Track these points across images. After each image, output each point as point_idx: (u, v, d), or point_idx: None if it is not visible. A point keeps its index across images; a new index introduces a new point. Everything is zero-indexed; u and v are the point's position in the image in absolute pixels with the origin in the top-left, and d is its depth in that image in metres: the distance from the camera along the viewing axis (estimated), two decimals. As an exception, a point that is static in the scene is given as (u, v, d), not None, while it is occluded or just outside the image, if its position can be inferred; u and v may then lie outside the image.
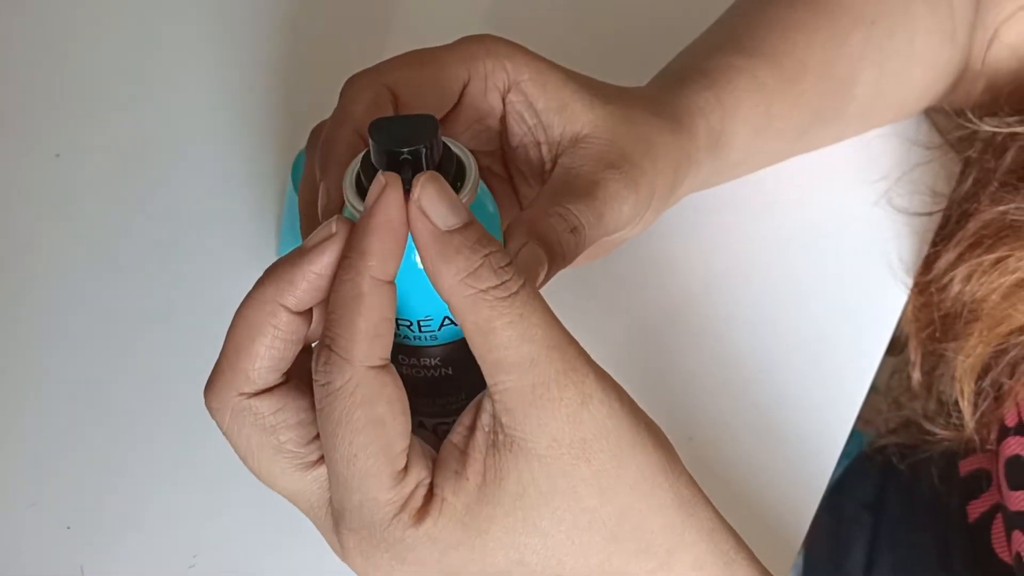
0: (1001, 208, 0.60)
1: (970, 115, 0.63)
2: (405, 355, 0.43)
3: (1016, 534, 0.63)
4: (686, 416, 0.62)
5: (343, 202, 0.41)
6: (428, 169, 0.39)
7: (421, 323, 0.42)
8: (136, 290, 0.62)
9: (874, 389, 0.66)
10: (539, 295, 0.39)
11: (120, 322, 0.61)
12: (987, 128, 0.62)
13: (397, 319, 0.41)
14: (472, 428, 0.41)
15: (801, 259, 0.67)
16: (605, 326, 0.63)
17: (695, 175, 0.54)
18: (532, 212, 0.46)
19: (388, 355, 0.39)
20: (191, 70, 0.69)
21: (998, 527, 0.67)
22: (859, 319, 0.66)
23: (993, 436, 0.65)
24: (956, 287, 0.62)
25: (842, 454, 0.63)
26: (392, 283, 0.39)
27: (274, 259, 0.61)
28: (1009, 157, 0.61)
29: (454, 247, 0.38)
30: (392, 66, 0.48)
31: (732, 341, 0.65)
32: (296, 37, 0.71)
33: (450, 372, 0.43)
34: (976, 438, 0.65)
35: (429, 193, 0.39)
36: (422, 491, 0.40)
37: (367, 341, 0.38)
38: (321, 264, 0.39)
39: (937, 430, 0.66)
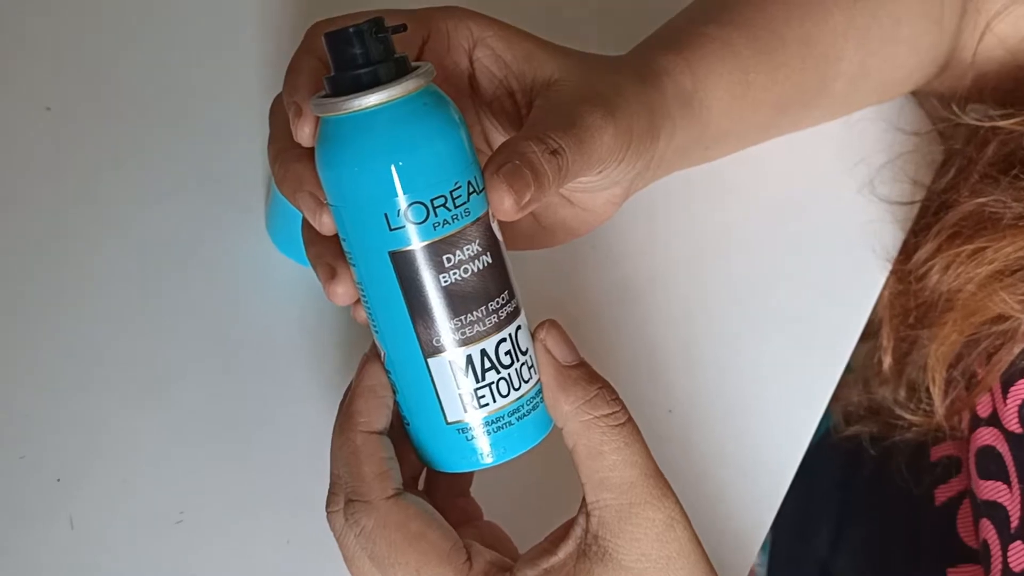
0: (981, 200, 0.61)
1: (955, 107, 0.64)
2: (451, 254, 0.45)
3: (984, 522, 0.64)
4: (666, 389, 0.63)
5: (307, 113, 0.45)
6: (372, 54, 0.44)
7: (454, 195, 0.44)
8: (126, 247, 0.61)
9: (848, 369, 0.67)
10: (638, 429, 0.47)
11: (110, 278, 0.61)
12: (970, 120, 0.63)
13: (432, 198, 0.44)
14: (564, 537, 0.47)
15: (783, 239, 0.68)
16: (590, 300, 0.64)
17: (671, 132, 0.54)
18: (512, 138, 0.46)
19: (401, 485, 0.47)
20: (185, 26, 0.68)
21: (964, 512, 0.69)
22: (838, 300, 0.68)
23: (964, 424, 0.66)
24: (934, 277, 0.63)
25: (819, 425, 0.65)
26: (383, 432, 0.47)
27: (263, 219, 0.62)
28: (991, 150, 0.62)
29: (572, 379, 0.46)
30: (353, 16, 0.50)
31: (714, 317, 0.66)
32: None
33: (490, 260, 0.46)
34: (945, 425, 0.66)
35: (553, 335, 0.47)
36: (496, 571, 0.46)
37: (378, 481, 0.46)
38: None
39: (906, 415, 0.68)
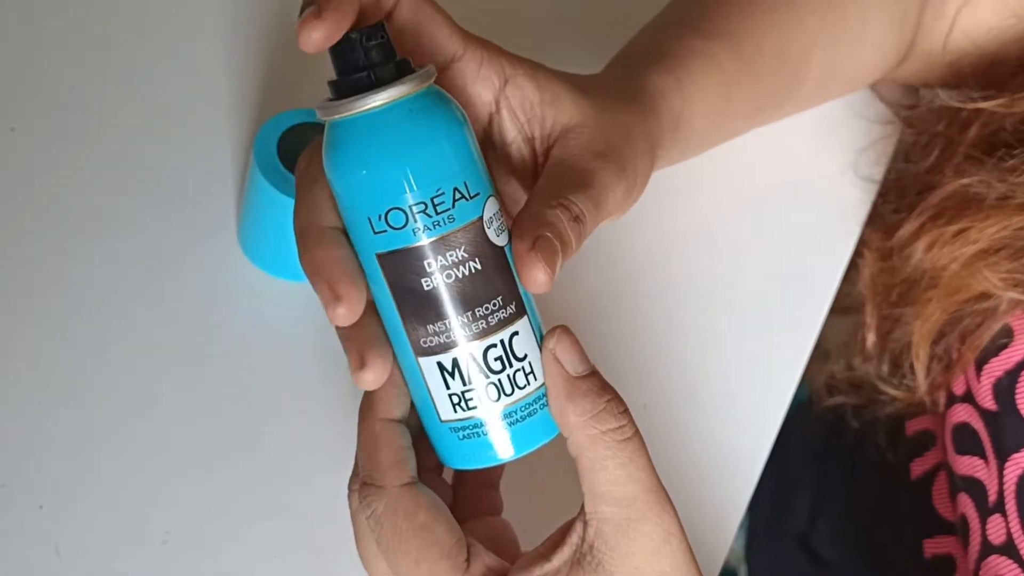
0: (964, 181, 0.62)
1: (940, 92, 0.65)
2: (434, 259, 0.45)
3: (962, 496, 0.65)
4: (639, 383, 0.64)
5: None
6: (370, 58, 0.44)
7: (435, 202, 0.44)
8: (97, 267, 0.61)
9: (818, 346, 0.69)
10: (643, 443, 0.46)
11: (83, 299, 0.60)
12: (952, 102, 0.64)
13: (411, 205, 0.44)
14: (559, 543, 0.47)
15: (746, 227, 0.70)
16: (561, 297, 0.63)
17: (662, 157, 0.56)
18: (537, 205, 0.47)
19: (415, 474, 0.47)
20: (150, 42, 0.68)
21: (939, 485, 0.70)
22: (802, 283, 0.69)
23: (942, 401, 0.67)
24: (918, 255, 0.64)
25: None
26: (400, 421, 0.48)
27: (234, 233, 0.62)
28: (973, 131, 0.64)
29: (581, 391, 0.45)
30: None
31: (683, 307, 0.67)
32: (262, 10, 0.70)
33: (479, 267, 0.45)
34: (927, 400, 0.67)
35: (564, 344, 0.46)
36: (492, 575, 0.46)
37: (393, 468, 0.47)
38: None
39: (890, 390, 0.69)
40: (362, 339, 0.46)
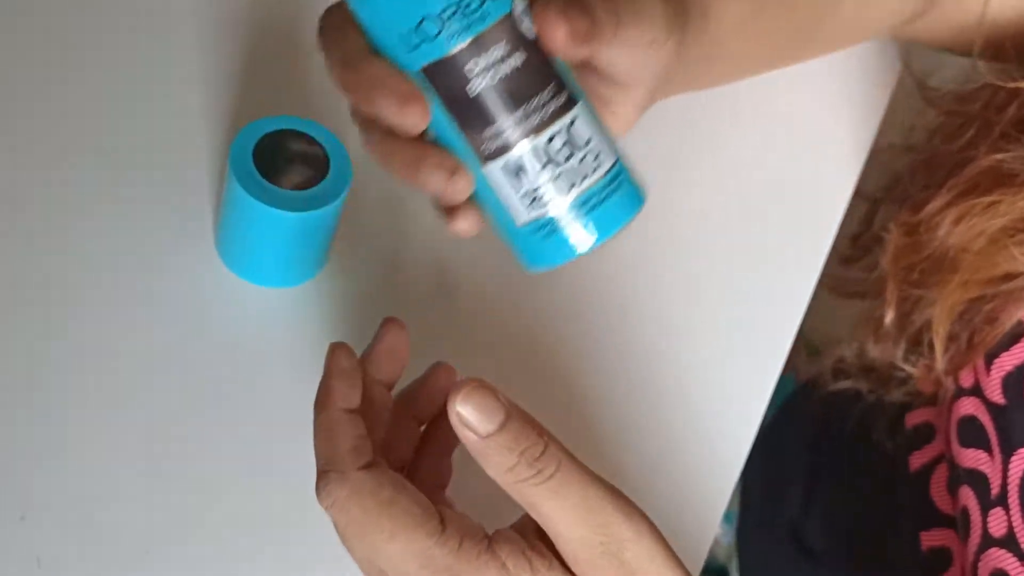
0: (999, 156, 0.62)
1: (980, 65, 0.65)
2: (476, 60, 0.45)
3: (964, 489, 0.65)
4: (623, 371, 0.64)
5: None
6: None
7: (463, 3, 0.44)
8: (74, 274, 0.60)
9: (801, 334, 0.69)
10: (574, 468, 0.45)
11: (60, 308, 0.60)
12: (992, 79, 0.64)
13: (441, 11, 0.44)
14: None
15: (730, 214, 0.71)
16: (546, 285, 0.65)
17: (687, 48, 0.54)
18: None
19: (371, 458, 0.47)
20: (126, 49, 0.67)
21: (938, 478, 0.70)
22: (784, 272, 0.70)
23: (949, 393, 0.67)
24: (945, 228, 0.63)
25: (775, 395, 0.66)
26: (356, 411, 0.49)
27: (211, 240, 0.64)
28: (1011, 111, 0.63)
29: (492, 449, 0.44)
30: None
31: (668, 293, 0.67)
32: (238, 17, 0.69)
33: (520, 62, 0.45)
34: (944, 379, 0.67)
35: (469, 406, 0.44)
36: (471, 542, 0.46)
37: (351, 453, 0.47)
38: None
39: (907, 367, 0.68)
40: (437, 154, 0.46)
